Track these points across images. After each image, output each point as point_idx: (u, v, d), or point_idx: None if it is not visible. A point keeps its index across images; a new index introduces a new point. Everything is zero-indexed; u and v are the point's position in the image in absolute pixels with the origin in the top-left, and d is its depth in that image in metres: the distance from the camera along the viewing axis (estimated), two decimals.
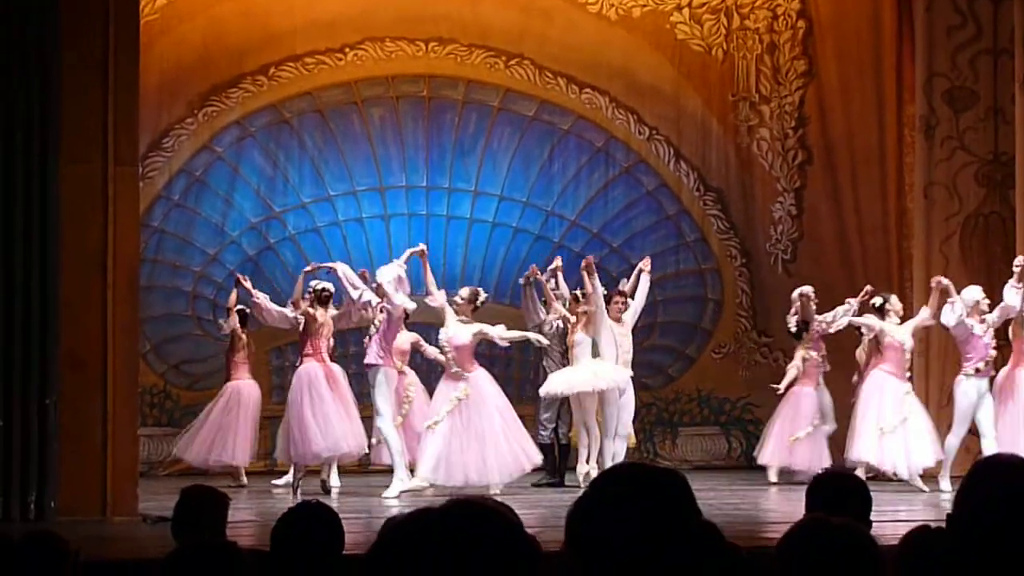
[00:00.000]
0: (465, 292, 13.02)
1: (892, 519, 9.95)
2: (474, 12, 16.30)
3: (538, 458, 12.81)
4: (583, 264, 13.29)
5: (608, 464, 12.76)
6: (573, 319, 13.17)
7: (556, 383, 13.16)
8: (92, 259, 10.55)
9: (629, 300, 13.53)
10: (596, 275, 13.18)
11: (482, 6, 16.32)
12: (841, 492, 4.51)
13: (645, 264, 13.82)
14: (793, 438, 13.88)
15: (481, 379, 12.65)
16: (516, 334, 12.96)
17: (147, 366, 14.96)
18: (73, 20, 10.55)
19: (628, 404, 13.32)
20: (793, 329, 14.23)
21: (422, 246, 13.12)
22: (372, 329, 12.63)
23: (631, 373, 13.33)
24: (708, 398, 16.39)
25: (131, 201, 10.96)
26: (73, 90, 10.54)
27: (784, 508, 11.96)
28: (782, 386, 14.04)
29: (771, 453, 14.09)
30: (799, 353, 14.14)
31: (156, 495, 10.88)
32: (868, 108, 16.18)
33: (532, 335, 13.02)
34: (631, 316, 13.51)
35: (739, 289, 16.51)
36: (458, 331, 12.64)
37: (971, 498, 2.90)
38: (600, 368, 13.02)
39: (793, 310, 14.23)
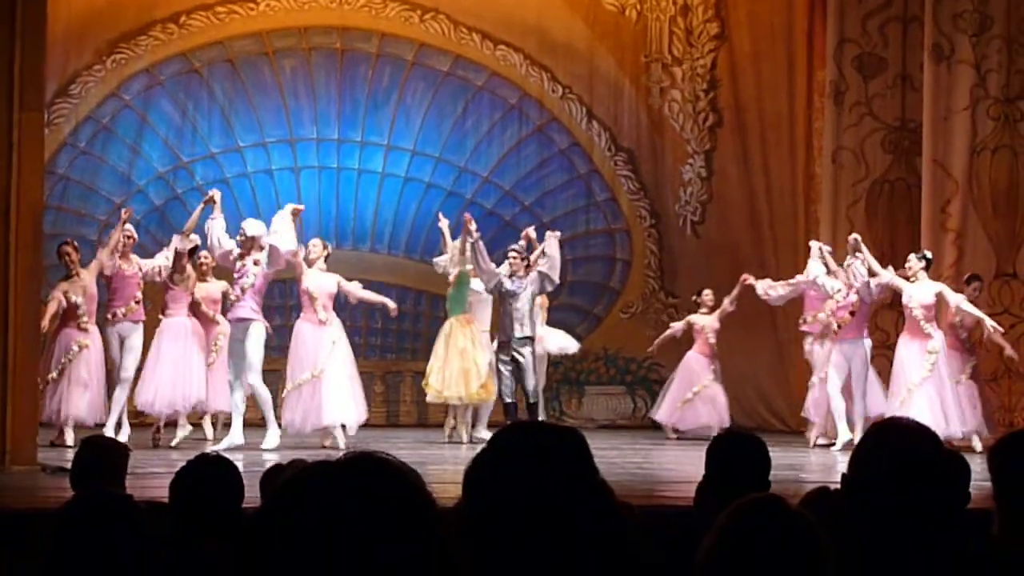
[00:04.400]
0: (319, 242, 12.92)
1: (794, 480, 10.07)
2: None
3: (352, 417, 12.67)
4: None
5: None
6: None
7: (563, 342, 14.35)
8: None
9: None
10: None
11: None
12: (740, 453, 4.55)
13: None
14: None
15: (339, 327, 12.68)
16: (371, 295, 12.96)
17: None
18: None
19: None
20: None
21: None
22: (246, 283, 12.36)
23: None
24: (615, 358, 16.48)
25: (36, 147, 10.79)
26: None
27: (684, 467, 12.07)
28: None
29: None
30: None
31: (56, 445, 10.78)
32: (779, 73, 16.29)
33: (386, 300, 12.94)
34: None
35: (648, 250, 16.59)
36: (324, 280, 12.63)
37: (866, 460, 2.94)
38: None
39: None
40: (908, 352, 13.13)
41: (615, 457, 12.07)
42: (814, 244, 13.81)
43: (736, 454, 4.52)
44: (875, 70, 15.06)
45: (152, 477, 8.88)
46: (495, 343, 13.40)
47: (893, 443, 2.94)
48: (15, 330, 10.39)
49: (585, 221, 16.57)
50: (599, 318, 16.59)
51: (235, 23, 15.98)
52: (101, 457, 5.12)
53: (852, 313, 13.37)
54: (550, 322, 14.75)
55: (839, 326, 13.38)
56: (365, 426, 14.94)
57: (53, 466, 9.78)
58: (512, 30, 16.43)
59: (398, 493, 1.87)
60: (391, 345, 16.21)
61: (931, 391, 12.93)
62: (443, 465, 11.06)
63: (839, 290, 13.41)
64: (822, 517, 2.60)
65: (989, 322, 13.09)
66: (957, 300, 13.08)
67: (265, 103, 16.07)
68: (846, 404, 13.26)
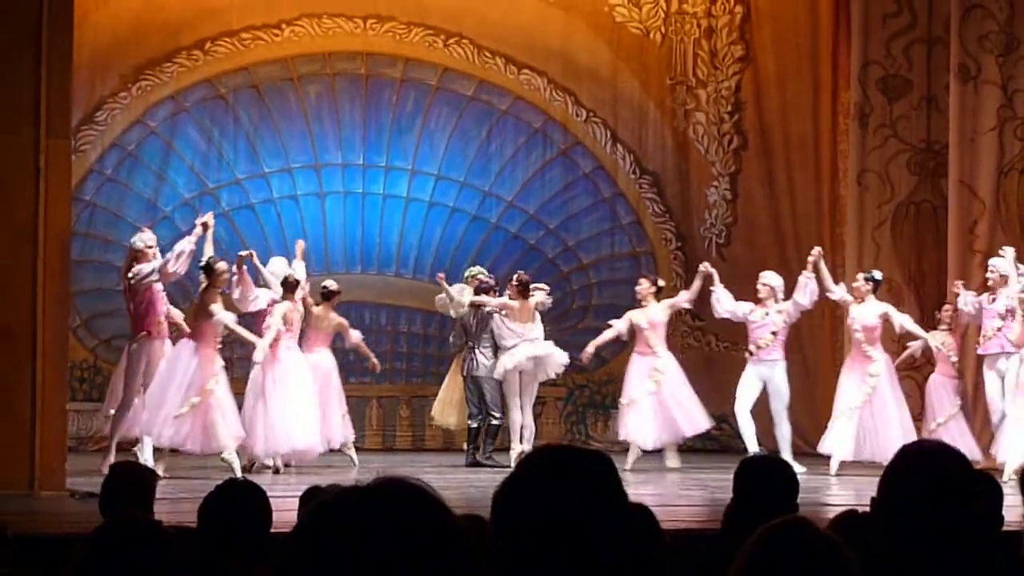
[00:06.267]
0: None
1: (821, 503, 10.04)
2: None
3: (302, 443, 12.45)
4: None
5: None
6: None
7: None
8: (23, 232, 10.45)
9: None
10: None
11: None
12: (767, 476, 4.54)
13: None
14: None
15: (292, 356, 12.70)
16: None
17: (77, 340, 14.85)
18: None
19: None
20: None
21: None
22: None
23: None
24: None
25: (63, 174, 10.86)
26: (5, 61, 10.42)
27: (711, 491, 12.03)
28: None
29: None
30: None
31: (85, 470, 10.81)
32: (803, 94, 16.28)
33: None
34: None
35: (673, 272, 16.56)
36: None
37: (896, 483, 2.93)
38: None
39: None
40: (848, 377, 13.09)
41: (642, 480, 12.04)
42: (704, 267, 13.81)
43: (763, 477, 4.52)
44: (900, 92, 15.04)
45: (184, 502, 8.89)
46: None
47: (923, 466, 2.93)
48: (43, 357, 10.43)
49: (610, 244, 16.56)
50: (624, 341, 16.53)
51: (260, 49, 16.04)
52: (130, 483, 5.13)
53: (774, 333, 13.31)
54: (575, 346, 14.73)
55: (758, 346, 13.30)
56: (392, 450, 15.00)
57: (82, 492, 9.80)
58: (536, 54, 16.45)
59: (427, 518, 1.87)
60: (416, 370, 16.21)
61: (865, 416, 12.80)
62: (467, 489, 11.06)
63: (752, 311, 13.38)
64: (850, 540, 2.59)
65: (933, 342, 13.06)
66: (901, 320, 13.04)
67: (290, 129, 16.12)
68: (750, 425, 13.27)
